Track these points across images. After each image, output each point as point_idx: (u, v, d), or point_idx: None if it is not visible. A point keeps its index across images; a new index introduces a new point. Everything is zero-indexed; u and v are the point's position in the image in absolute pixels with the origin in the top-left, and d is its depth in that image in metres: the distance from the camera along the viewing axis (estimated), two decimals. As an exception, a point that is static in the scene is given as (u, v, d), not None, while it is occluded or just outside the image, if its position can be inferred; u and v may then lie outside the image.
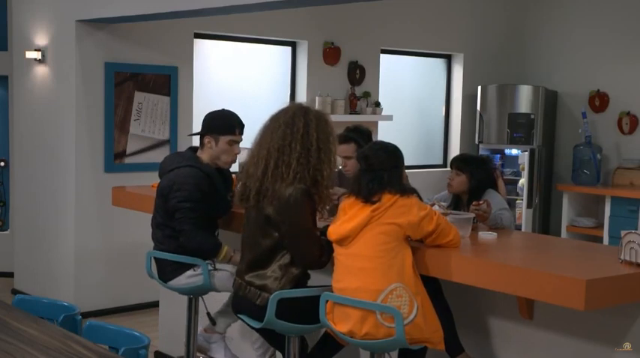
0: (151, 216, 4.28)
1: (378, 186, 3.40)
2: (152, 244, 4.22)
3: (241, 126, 4.13)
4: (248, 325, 3.72)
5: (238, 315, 3.74)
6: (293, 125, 3.55)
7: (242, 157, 4.80)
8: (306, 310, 3.52)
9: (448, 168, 4.73)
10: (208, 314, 4.25)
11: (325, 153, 3.55)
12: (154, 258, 4.17)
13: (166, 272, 4.11)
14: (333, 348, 3.76)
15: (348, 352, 4.08)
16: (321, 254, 3.53)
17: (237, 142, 4.12)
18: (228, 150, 4.08)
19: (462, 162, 4.49)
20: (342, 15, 7.62)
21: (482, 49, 8.81)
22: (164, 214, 4.06)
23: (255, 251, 3.62)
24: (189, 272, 4.05)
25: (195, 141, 6.68)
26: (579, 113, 8.15)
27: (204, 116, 4.21)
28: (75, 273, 6.47)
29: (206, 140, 4.08)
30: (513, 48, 8.97)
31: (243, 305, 3.66)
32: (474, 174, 4.42)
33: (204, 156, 4.09)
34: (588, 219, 8.10)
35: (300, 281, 3.59)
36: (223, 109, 4.23)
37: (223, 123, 4.09)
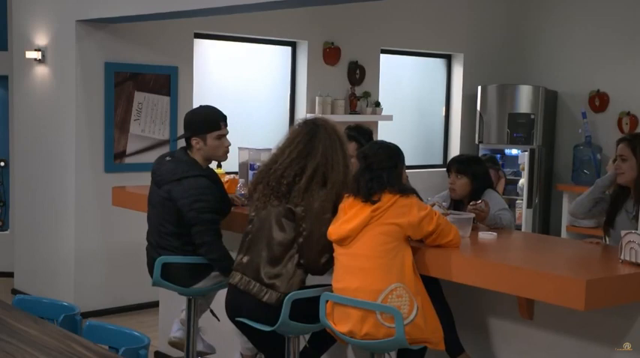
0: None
1: (377, 186, 3.40)
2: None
3: (224, 118, 4.08)
4: (250, 329, 3.62)
5: (237, 319, 3.64)
6: (333, 135, 3.62)
7: (243, 157, 4.80)
8: (310, 310, 3.51)
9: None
10: (211, 310, 4.28)
11: (349, 161, 3.66)
12: (162, 264, 4.07)
13: (186, 277, 4.04)
14: (327, 342, 3.74)
15: (346, 351, 4.08)
16: (326, 262, 3.55)
17: (225, 135, 4.07)
18: (218, 145, 4.03)
19: (461, 164, 4.39)
20: (342, 15, 7.62)
21: (482, 49, 8.81)
22: (178, 223, 3.98)
23: (267, 245, 3.58)
24: (215, 273, 4.02)
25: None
26: (579, 113, 8.15)
27: (184, 117, 4.17)
28: (75, 273, 6.47)
29: (194, 142, 4.02)
30: (513, 48, 8.96)
31: (243, 303, 3.59)
32: (476, 175, 4.36)
33: (197, 157, 4.03)
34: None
35: (305, 282, 3.61)
36: (201, 106, 4.21)
37: (206, 121, 4.03)
